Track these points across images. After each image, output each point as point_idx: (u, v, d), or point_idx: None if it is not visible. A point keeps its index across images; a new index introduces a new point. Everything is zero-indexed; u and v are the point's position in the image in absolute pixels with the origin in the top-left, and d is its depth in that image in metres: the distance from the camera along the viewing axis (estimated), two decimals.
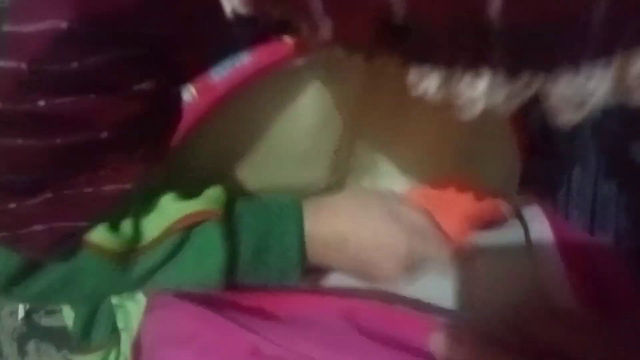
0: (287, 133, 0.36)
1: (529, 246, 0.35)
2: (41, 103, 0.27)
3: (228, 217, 0.34)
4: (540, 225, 0.37)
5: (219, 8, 0.23)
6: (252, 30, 0.33)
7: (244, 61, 0.33)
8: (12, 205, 0.30)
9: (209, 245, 0.33)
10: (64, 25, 0.26)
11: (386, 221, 0.36)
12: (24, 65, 0.26)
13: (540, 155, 0.43)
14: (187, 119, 0.33)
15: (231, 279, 0.34)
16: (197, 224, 0.33)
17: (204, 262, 0.33)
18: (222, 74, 0.33)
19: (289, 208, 0.36)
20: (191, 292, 0.35)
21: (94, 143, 0.29)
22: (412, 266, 0.35)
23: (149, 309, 0.37)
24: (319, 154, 0.37)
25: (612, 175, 0.42)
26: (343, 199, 0.37)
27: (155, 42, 0.29)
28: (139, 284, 0.33)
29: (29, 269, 0.32)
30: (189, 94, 0.33)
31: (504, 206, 0.38)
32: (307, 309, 0.33)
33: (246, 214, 0.35)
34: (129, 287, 0.35)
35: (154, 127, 0.32)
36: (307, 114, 0.35)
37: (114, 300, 0.43)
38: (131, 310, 0.42)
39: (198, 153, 0.36)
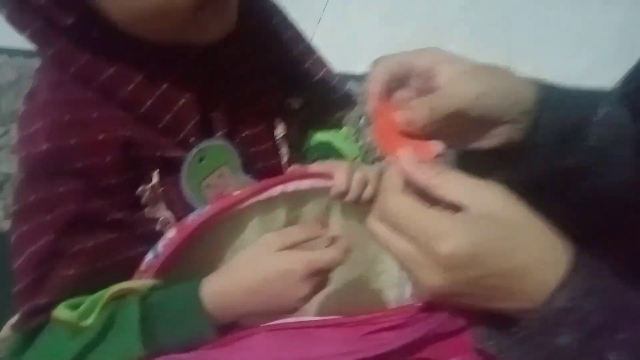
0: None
1: None
2: None
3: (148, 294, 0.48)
4: None
5: None
6: None
7: (207, 209, 0.51)
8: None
9: (129, 314, 0.46)
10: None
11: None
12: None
13: None
14: (170, 247, 0.50)
15: (153, 342, 0.45)
16: (124, 296, 0.48)
17: (126, 326, 0.46)
18: (193, 217, 0.51)
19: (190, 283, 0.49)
20: None
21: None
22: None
23: None
24: None
25: None
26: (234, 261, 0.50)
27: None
28: (89, 349, 0.45)
29: (24, 343, 0.48)
30: (172, 232, 0.51)
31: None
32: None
33: (159, 290, 0.49)
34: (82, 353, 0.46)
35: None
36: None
37: None
38: None
39: (176, 275, 0.51)
